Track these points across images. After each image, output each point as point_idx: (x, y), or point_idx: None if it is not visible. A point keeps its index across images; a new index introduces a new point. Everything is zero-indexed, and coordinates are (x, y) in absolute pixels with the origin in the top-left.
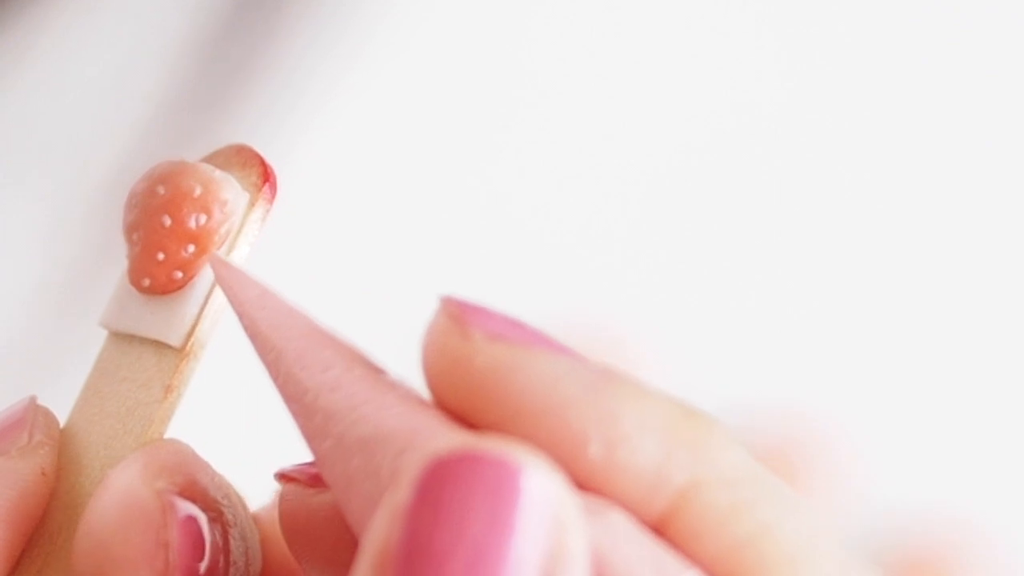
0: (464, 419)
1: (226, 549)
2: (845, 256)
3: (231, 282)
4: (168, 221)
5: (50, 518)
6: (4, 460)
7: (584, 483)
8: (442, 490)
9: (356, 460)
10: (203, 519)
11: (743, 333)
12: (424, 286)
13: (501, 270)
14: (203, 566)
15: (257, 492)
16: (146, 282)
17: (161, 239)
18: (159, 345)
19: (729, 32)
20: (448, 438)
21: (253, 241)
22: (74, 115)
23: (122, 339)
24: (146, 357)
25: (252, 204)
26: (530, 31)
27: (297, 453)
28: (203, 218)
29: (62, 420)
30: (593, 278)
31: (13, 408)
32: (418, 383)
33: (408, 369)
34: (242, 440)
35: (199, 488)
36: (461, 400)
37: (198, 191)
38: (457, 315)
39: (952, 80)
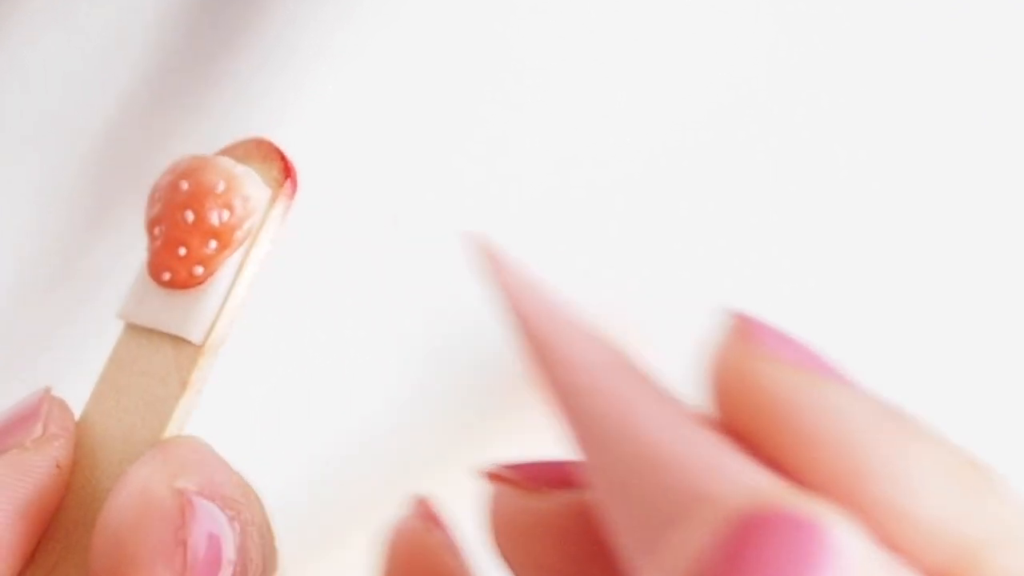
0: (747, 439)
1: (244, 548)
2: (845, 250)
3: (518, 292)
4: (191, 216)
5: (66, 512)
6: (18, 452)
7: (869, 523)
8: (746, 548)
9: (634, 478)
10: (222, 518)
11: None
12: (424, 284)
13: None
14: (221, 565)
15: (271, 489)
16: (166, 276)
17: (183, 234)
18: (177, 340)
19: (726, 27)
20: (750, 491)
21: (274, 237)
22: (68, 98)
23: (139, 332)
24: (164, 351)
25: (273, 200)
26: (528, 25)
27: (311, 449)
28: (225, 214)
29: (76, 412)
30: (593, 274)
31: (27, 399)
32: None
33: (407, 364)
34: (255, 437)
35: (217, 486)
36: (749, 422)
37: (221, 187)
38: (748, 333)
39: (946, 69)
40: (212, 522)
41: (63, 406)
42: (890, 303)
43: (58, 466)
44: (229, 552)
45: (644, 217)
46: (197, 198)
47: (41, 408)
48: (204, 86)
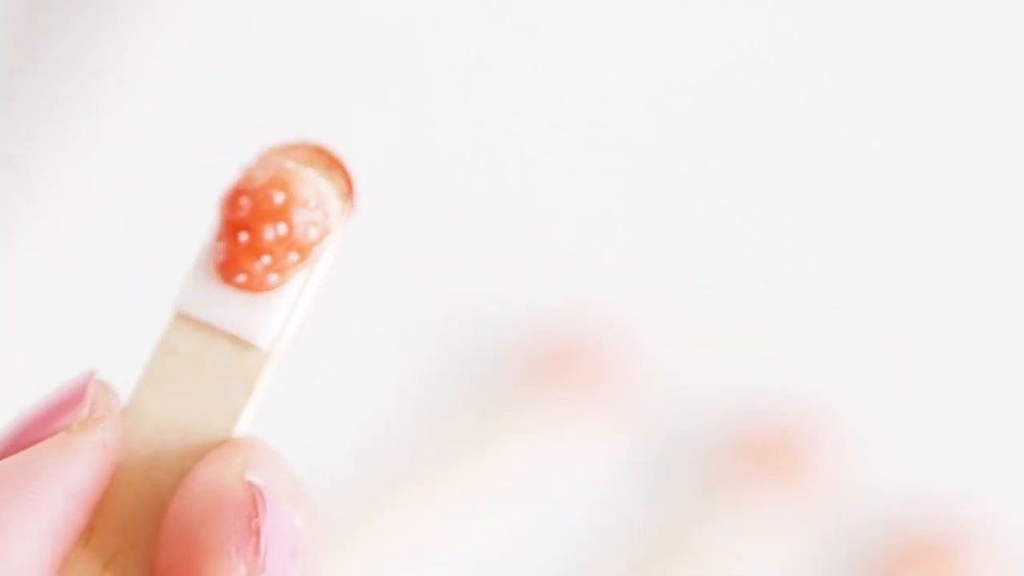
0: None
1: (308, 544)
2: (844, 246)
3: None
4: (283, 229)
5: (123, 504)
6: (65, 435)
7: None
8: None
9: None
10: (290, 511)
11: (743, 324)
12: (423, 280)
13: (500, 262)
14: (294, 555)
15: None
16: (241, 279)
17: (271, 245)
18: (241, 342)
19: (724, 24)
20: None
21: (335, 252)
22: None
23: (198, 327)
24: (227, 352)
25: (341, 214)
26: (522, 22)
27: (311, 448)
28: (313, 232)
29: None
30: (592, 270)
31: (72, 382)
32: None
33: (406, 363)
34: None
35: (284, 482)
36: None
37: (312, 203)
38: None
39: (935, 57)
40: (282, 515)
41: (108, 389)
42: (889, 292)
43: (105, 446)
44: (298, 544)
45: (645, 209)
46: (290, 211)
47: (87, 391)
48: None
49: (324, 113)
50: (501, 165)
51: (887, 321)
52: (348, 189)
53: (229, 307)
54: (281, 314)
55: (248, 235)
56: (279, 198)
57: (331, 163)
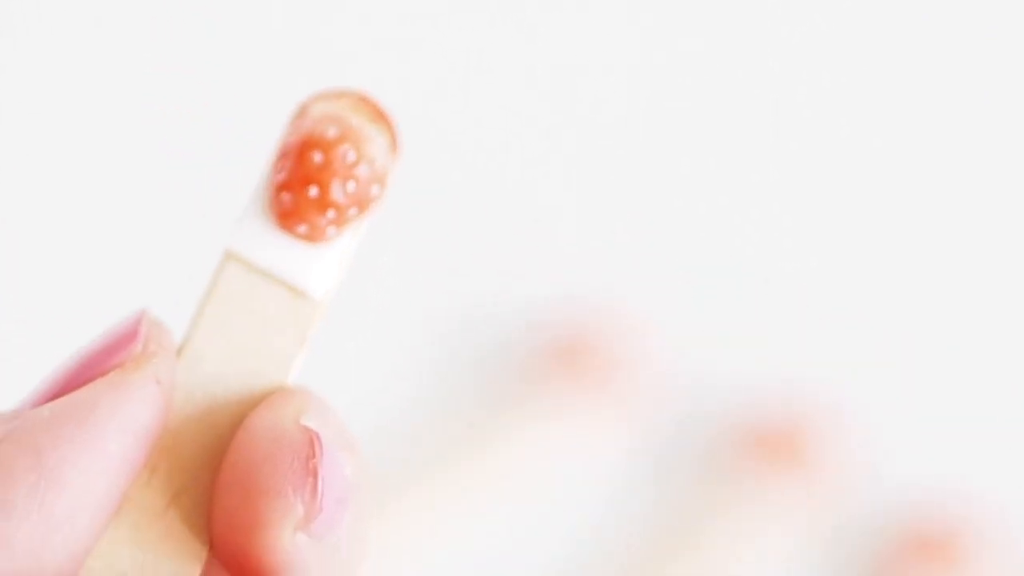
0: None
1: (358, 493)
2: (850, 241)
3: None
4: (352, 187)
5: (183, 446)
6: (119, 372)
7: None
8: None
9: None
10: (345, 456)
11: (748, 316)
12: (425, 276)
13: (504, 257)
14: (349, 497)
15: None
16: (303, 229)
17: (337, 200)
18: (295, 291)
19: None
20: None
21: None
22: None
23: (253, 273)
24: (280, 299)
25: (391, 167)
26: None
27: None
28: (376, 188)
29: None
30: (597, 265)
31: (125, 321)
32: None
33: (407, 361)
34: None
35: (337, 430)
36: None
37: (379, 161)
38: None
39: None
40: (335, 461)
41: (161, 327)
42: (894, 283)
43: (158, 382)
44: (348, 491)
45: (647, 203)
46: (358, 168)
47: (140, 329)
48: None
49: (262, 85)
50: (503, 160)
51: (892, 315)
52: (394, 142)
53: (286, 255)
54: (335, 265)
55: (318, 190)
56: (351, 155)
57: (376, 114)
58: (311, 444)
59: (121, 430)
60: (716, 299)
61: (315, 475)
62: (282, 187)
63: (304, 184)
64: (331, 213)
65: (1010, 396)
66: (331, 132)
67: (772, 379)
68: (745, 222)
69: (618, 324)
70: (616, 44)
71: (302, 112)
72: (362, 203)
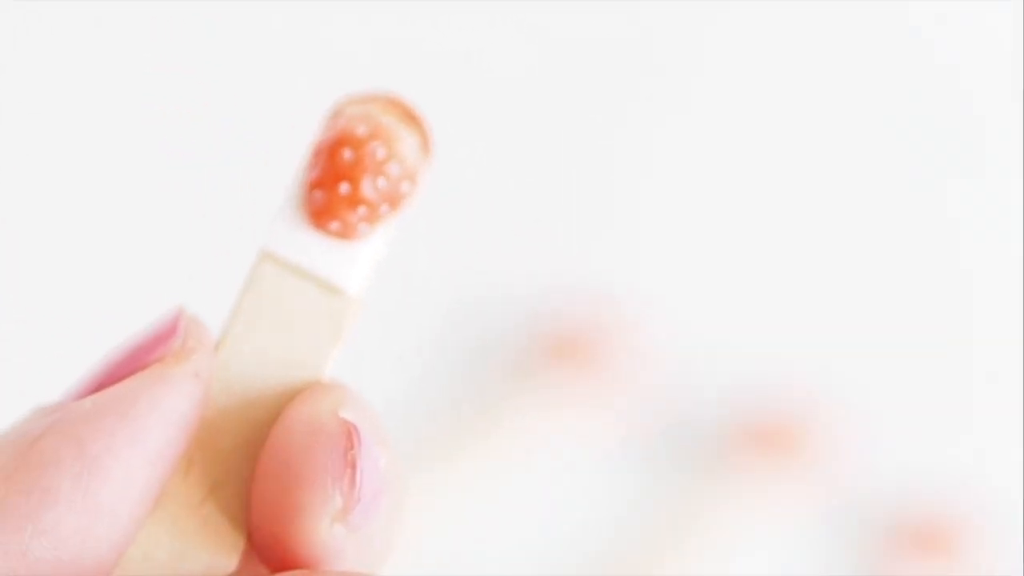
0: None
1: (393, 485)
2: (845, 233)
3: None
4: (382, 184)
5: (221, 439)
6: (160, 366)
7: None
8: None
9: None
10: (380, 448)
11: (743, 310)
12: (419, 269)
13: (501, 249)
14: (385, 489)
15: None
16: (335, 227)
17: (369, 197)
18: (329, 287)
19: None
20: None
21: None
22: None
23: (288, 270)
24: (314, 296)
25: (423, 167)
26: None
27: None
28: (406, 184)
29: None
30: (595, 257)
31: (164, 318)
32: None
33: (408, 356)
34: None
35: (373, 423)
36: None
37: (409, 159)
38: None
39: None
40: (372, 453)
41: (199, 323)
42: (886, 279)
43: (198, 376)
44: (383, 483)
45: (642, 200)
46: (388, 165)
47: (179, 325)
48: None
49: (297, 86)
50: (500, 154)
51: (888, 308)
52: (426, 142)
53: (320, 252)
54: (368, 262)
55: (349, 186)
56: (381, 152)
57: (407, 115)
58: (349, 436)
59: (162, 422)
60: (711, 293)
61: (353, 467)
62: (314, 185)
63: (335, 181)
64: (362, 210)
65: (1001, 389)
66: (361, 130)
67: (767, 373)
68: (740, 216)
69: (614, 317)
70: (611, 43)
71: (335, 113)
72: (393, 200)
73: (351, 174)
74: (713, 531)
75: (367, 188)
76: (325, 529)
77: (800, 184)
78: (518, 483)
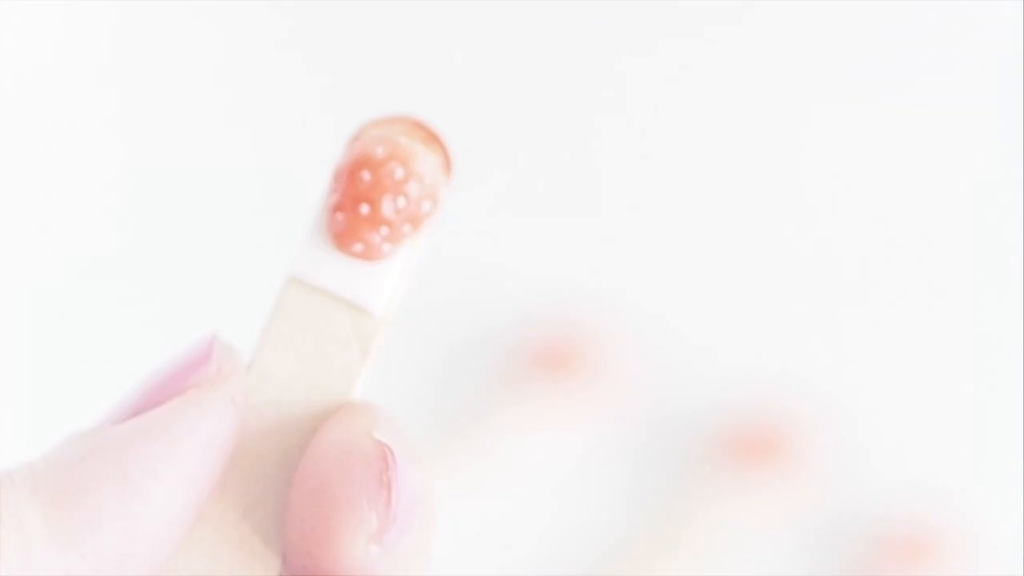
0: None
1: (426, 504)
2: (836, 239)
3: None
4: (402, 203)
5: (254, 462)
6: (196, 391)
7: None
8: None
9: None
10: (413, 471)
11: (731, 317)
12: (424, 278)
13: (493, 255)
14: (421, 510)
15: None
16: (359, 248)
17: (389, 217)
18: (355, 308)
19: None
20: None
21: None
22: None
23: (312, 292)
24: (341, 318)
25: (444, 186)
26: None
27: None
28: (427, 204)
29: None
30: (585, 263)
31: (197, 343)
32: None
33: (409, 358)
34: None
35: (406, 444)
36: None
37: (428, 179)
38: None
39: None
40: (406, 473)
41: (231, 349)
42: (875, 285)
43: (233, 401)
44: (417, 502)
45: (629, 208)
46: (408, 185)
47: (213, 351)
48: None
49: (323, 111)
50: (487, 162)
51: (874, 316)
52: (447, 162)
53: (344, 274)
54: (393, 282)
55: (369, 207)
56: (399, 172)
57: (429, 136)
58: (384, 457)
59: (200, 447)
60: (699, 299)
61: (389, 487)
62: (336, 208)
63: (355, 203)
64: (384, 230)
65: (991, 397)
66: (379, 151)
67: (754, 379)
68: (727, 225)
69: (602, 324)
70: (607, 46)
71: (355, 137)
72: (415, 219)
73: (371, 195)
74: (700, 539)
75: (387, 208)
76: (360, 549)
77: (787, 194)
78: (506, 490)
